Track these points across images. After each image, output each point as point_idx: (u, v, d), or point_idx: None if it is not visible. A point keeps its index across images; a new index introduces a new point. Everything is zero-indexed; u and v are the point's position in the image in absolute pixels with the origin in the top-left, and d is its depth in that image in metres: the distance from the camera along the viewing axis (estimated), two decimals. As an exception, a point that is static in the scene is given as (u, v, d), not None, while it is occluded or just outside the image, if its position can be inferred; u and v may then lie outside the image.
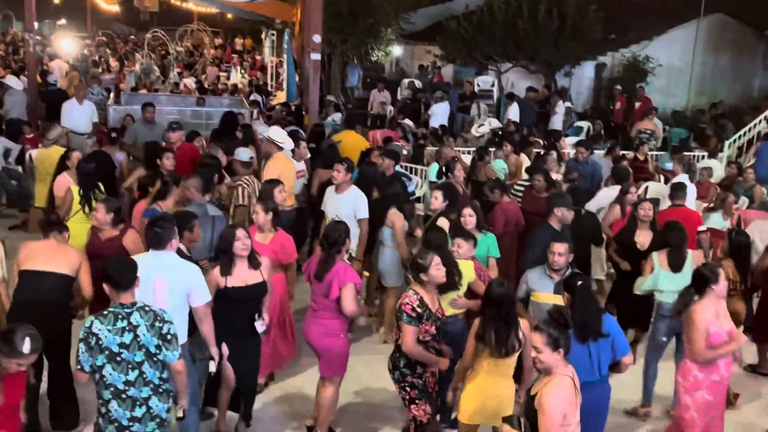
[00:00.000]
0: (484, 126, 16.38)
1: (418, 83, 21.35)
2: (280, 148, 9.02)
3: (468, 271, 6.19)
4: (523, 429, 4.62)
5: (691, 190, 9.79)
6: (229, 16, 33.11)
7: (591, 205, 9.12)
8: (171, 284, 5.14)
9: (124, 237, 6.41)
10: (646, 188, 10.66)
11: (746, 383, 7.50)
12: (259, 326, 5.76)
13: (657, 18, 21.92)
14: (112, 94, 16.89)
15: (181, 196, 7.24)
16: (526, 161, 11.39)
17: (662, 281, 6.78)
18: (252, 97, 18.33)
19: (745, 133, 17.13)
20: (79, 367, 4.44)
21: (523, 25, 19.10)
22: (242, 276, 5.65)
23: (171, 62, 23.87)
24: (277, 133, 9.21)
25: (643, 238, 7.75)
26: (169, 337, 4.53)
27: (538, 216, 8.12)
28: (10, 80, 15.49)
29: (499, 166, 10.98)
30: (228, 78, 24.95)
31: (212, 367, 5.47)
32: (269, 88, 22.27)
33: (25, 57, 19.03)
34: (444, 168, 9.74)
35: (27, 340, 4.12)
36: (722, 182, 11.85)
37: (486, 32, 19.86)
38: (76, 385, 5.85)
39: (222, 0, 19.91)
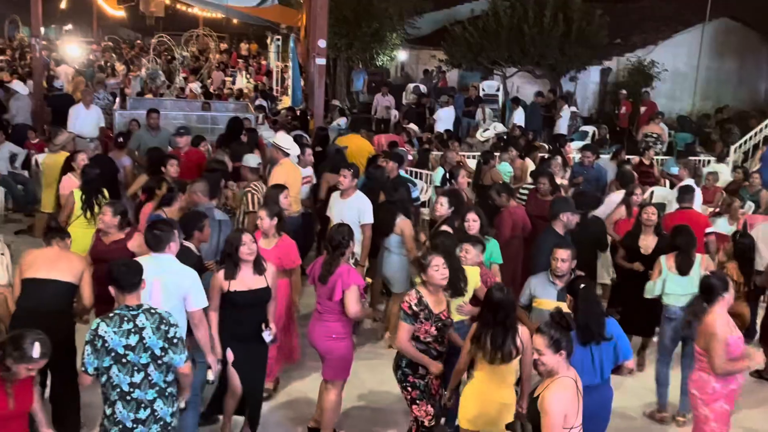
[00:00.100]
0: (489, 131, 16.38)
1: (423, 88, 21.35)
2: (287, 154, 9.03)
3: (474, 277, 6.19)
4: None
5: (697, 194, 9.78)
6: (235, 21, 33.19)
7: (600, 212, 9.12)
8: (167, 287, 5.16)
9: (129, 240, 6.42)
10: (652, 193, 10.65)
11: (753, 389, 7.47)
12: (267, 336, 5.75)
13: (662, 23, 21.94)
14: (117, 99, 16.93)
15: (187, 202, 7.26)
16: (531, 166, 11.38)
17: (670, 284, 6.78)
18: (257, 102, 18.36)
19: (750, 138, 17.10)
20: (83, 369, 4.44)
21: (528, 29, 19.14)
22: (246, 281, 5.65)
23: (177, 67, 23.92)
24: (284, 139, 9.22)
25: (647, 242, 7.75)
26: (175, 340, 4.53)
27: (542, 219, 8.13)
28: (16, 85, 15.55)
29: (504, 169, 10.98)
30: (233, 83, 25.01)
31: (210, 375, 5.36)
32: (274, 93, 22.30)
33: (32, 62, 19.09)
34: (448, 174, 9.74)
35: (37, 344, 4.13)
36: (728, 187, 11.83)
37: (491, 37, 19.89)
38: (81, 391, 5.84)
39: (228, 5, 19.92)
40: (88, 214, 7.73)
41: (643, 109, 18.65)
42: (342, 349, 5.88)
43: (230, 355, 5.67)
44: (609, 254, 8.88)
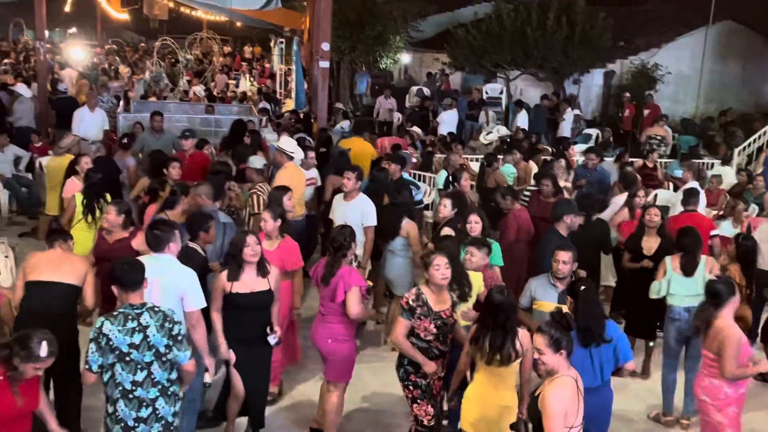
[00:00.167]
0: (493, 134, 16.38)
1: (426, 91, 21.36)
2: (291, 158, 9.04)
3: (477, 282, 6.18)
4: None
5: (701, 197, 9.76)
6: (238, 24, 33.18)
7: (605, 215, 9.12)
8: (165, 287, 5.17)
9: (133, 239, 6.44)
10: (655, 196, 10.63)
11: (756, 392, 7.44)
12: (272, 339, 5.76)
13: (665, 25, 21.91)
14: (121, 102, 16.96)
15: (190, 205, 7.27)
16: (534, 168, 11.37)
17: (674, 285, 6.78)
18: (261, 105, 18.38)
19: (754, 140, 17.08)
20: (87, 367, 4.46)
21: (531, 32, 19.13)
22: (249, 283, 5.65)
23: (180, 70, 23.96)
24: (288, 143, 9.24)
25: (650, 243, 7.75)
26: (179, 337, 4.57)
27: (544, 221, 8.15)
28: (20, 88, 15.59)
29: (508, 171, 10.98)
30: (237, 86, 25.02)
31: (207, 378, 5.30)
32: (278, 96, 22.32)
33: (36, 65, 19.14)
34: (450, 177, 9.75)
35: (44, 343, 4.16)
36: (732, 190, 11.81)
37: (495, 40, 19.90)
38: (83, 394, 5.86)
39: (231, 8, 19.93)
40: (89, 218, 7.74)
41: (646, 112, 18.64)
42: (344, 351, 5.89)
43: (232, 356, 5.67)
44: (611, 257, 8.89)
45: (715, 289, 5.51)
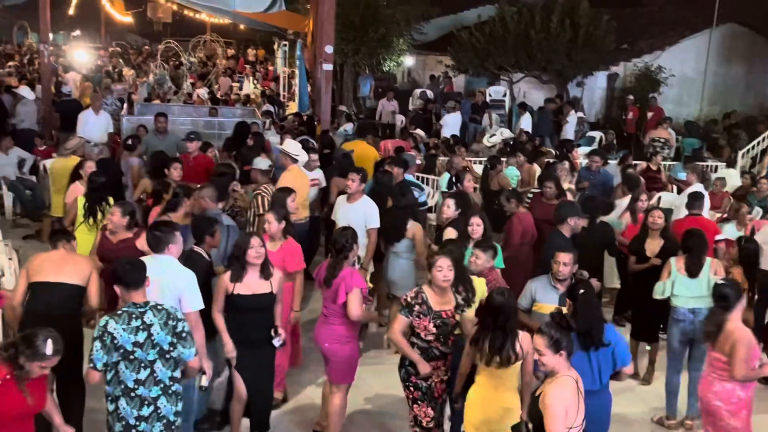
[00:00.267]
0: (496, 136, 16.38)
1: (429, 93, 21.37)
2: (295, 161, 9.05)
3: (480, 287, 6.17)
4: None
5: (705, 200, 9.75)
6: (242, 27, 33.25)
7: (611, 217, 9.11)
8: (163, 287, 5.19)
9: (138, 239, 6.45)
10: (659, 198, 10.62)
11: (763, 396, 7.41)
12: (276, 341, 5.76)
13: (669, 28, 21.89)
14: (125, 105, 16.99)
15: (193, 207, 7.28)
16: (538, 171, 11.38)
17: (678, 286, 6.77)
18: (265, 108, 18.40)
19: (758, 143, 17.05)
20: (91, 366, 4.47)
21: (535, 35, 19.13)
22: (251, 285, 5.65)
23: (184, 73, 23.97)
24: (292, 146, 9.25)
25: (652, 246, 7.74)
26: (184, 334, 4.61)
27: (547, 223, 8.15)
28: (23, 90, 15.62)
29: (511, 174, 10.98)
30: (240, 88, 25.04)
31: (203, 381, 5.25)
32: (281, 99, 22.34)
33: (40, 68, 19.19)
34: (454, 178, 9.76)
35: (49, 341, 4.18)
36: (736, 192, 11.78)
37: (498, 42, 19.90)
38: (86, 393, 5.87)
39: (235, 11, 19.96)
40: (91, 221, 7.76)
41: (650, 114, 18.61)
42: (346, 353, 5.90)
43: (233, 354, 5.65)
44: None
45: (723, 292, 5.50)
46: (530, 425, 4.54)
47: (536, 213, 8.74)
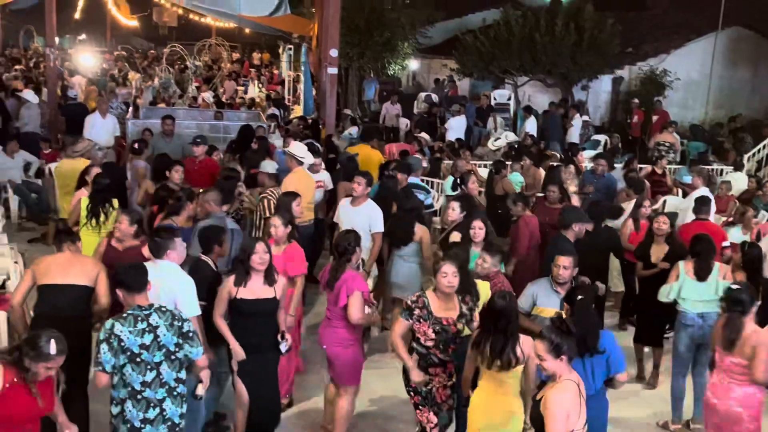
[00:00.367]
0: (501, 139, 16.38)
1: (434, 97, 21.37)
2: (301, 163, 9.07)
3: (484, 291, 6.16)
4: None
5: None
6: (247, 30, 33.31)
7: (619, 222, 9.09)
8: (159, 292, 5.20)
9: (144, 246, 6.46)
10: (664, 202, 10.60)
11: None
12: (283, 346, 5.76)
13: (674, 31, 21.86)
14: (130, 108, 17.04)
15: (195, 211, 7.30)
16: (544, 175, 11.37)
17: (686, 290, 6.75)
18: (270, 111, 18.43)
19: (764, 147, 17.00)
20: (100, 368, 4.49)
21: (540, 38, 19.12)
22: (255, 290, 5.64)
23: (189, 76, 24.04)
24: (298, 148, 9.27)
25: (657, 252, 7.73)
26: (190, 334, 4.66)
27: (550, 227, 8.15)
28: (27, 94, 15.68)
29: (515, 179, 10.97)
30: (245, 92, 25.08)
31: (200, 389, 5.18)
32: (286, 102, 22.37)
33: (46, 71, 19.25)
34: (458, 180, 9.77)
35: (52, 341, 4.20)
36: (741, 196, 11.76)
37: (503, 46, 19.89)
38: (89, 398, 5.87)
39: (240, 15, 20.00)
40: (93, 222, 7.78)
41: (655, 118, 18.58)
42: (348, 356, 5.91)
43: (238, 357, 5.64)
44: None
45: (738, 297, 5.49)
46: (532, 430, 4.53)
47: (539, 217, 8.74)
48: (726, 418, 5.50)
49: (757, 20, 21.47)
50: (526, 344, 4.97)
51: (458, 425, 5.88)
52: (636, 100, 19.54)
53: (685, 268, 6.83)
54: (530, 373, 5.04)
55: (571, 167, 10.85)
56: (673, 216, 9.02)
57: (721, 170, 14.41)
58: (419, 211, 8.17)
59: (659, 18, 23.60)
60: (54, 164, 11.32)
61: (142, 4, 33.68)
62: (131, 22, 35.13)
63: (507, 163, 11.41)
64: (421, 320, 5.38)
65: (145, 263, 5.32)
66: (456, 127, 17.40)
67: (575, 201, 9.34)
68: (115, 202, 8.10)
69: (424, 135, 15.86)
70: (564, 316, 5.03)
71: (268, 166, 8.96)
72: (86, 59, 28.25)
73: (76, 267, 5.77)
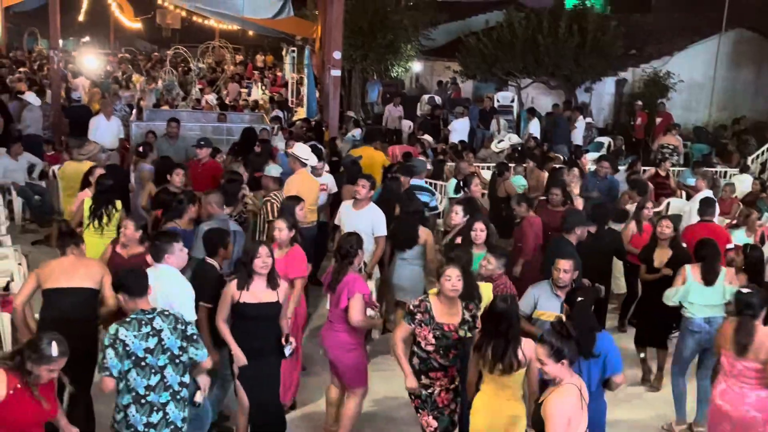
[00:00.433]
0: (504, 142, 16.36)
1: (437, 99, 21.37)
2: (304, 165, 9.08)
3: (487, 293, 6.16)
4: None
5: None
6: (251, 33, 33.37)
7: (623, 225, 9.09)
8: (156, 296, 5.18)
9: (148, 253, 6.45)
10: (668, 204, 10.59)
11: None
12: (287, 350, 5.74)
13: (678, 33, 21.83)
14: (134, 111, 17.07)
15: (199, 213, 7.30)
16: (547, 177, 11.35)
17: (693, 294, 6.73)
18: (274, 113, 18.45)
19: (768, 149, 16.99)
20: (107, 373, 4.48)
21: (543, 40, 19.10)
22: (257, 294, 5.62)
23: (193, 79, 24.06)
24: (302, 150, 9.28)
25: (661, 256, 7.72)
26: (195, 336, 4.68)
27: (552, 230, 8.14)
28: (29, 96, 15.70)
29: (518, 182, 10.96)
30: (249, 94, 25.10)
31: (198, 397, 5.11)
32: (290, 104, 22.39)
33: (49, 74, 19.29)
34: (461, 182, 9.76)
35: (53, 343, 4.21)
36: (745, 198, 11.74)
37: (506, 48, 19.88)
38: (93, 400, 5.87)
39: (244, 17, 20.04)
40: (96, 223, 7.78)
41: (658, 120, 18.56)
42: (351, 360, 5.92)
43: (241, 358, 5.62)
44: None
45: (749, 301, 5.46)
46: None
47: (542, 219, 8.73)
48: (740, 423, 5.45)
49: (760, 22, 21.43)
50: (527, 347, 4.96)
51: (462, 429, 5.88)
52: (639, 102, 19.51)
53: (692, 272, 6.80)
54: (532, 376, 5.03)
55: (575, 170, 10.84)
56: (676, 219, 9.00)
57: (725, 172, 14.38)
58: (422, 213, 8.17)
59: (662, 20, 23.57)
60: (57, 166, 11.35)
61: (146, 7, 33.76)
62: (135, 24, 35.22)
63: (510, 165, 11.39)
64: (423, 325, 5.38)
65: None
66: (459, 130, 17.39)
67: (578, 204, 9.33)
68: (119, 204, 8.10)
69: (427, 137, 15.87)
70: (564, 319, 5.03)
71: (273, 170, 8.98)
72: (90, 61, 28.28)
73: (80, 270, 5.76)
